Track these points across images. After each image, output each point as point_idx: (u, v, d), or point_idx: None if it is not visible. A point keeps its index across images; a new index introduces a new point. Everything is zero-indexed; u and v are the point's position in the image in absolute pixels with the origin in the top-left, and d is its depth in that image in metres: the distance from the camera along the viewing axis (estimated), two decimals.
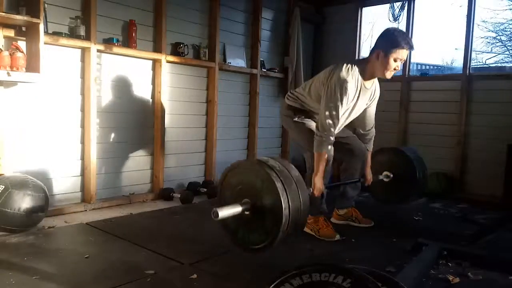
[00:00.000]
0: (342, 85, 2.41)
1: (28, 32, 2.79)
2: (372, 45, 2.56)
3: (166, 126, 3.82)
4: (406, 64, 4.58)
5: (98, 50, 3.25)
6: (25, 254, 2.20)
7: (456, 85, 4.26)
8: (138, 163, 3.70)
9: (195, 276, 1.99)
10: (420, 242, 2.40)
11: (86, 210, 3.22)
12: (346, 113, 2.57)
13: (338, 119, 2.45)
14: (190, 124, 4.10)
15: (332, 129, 2.45)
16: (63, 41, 3.01)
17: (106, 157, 3.46)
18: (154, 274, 2.00)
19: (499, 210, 3.59)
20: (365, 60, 2.55)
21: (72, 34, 3.11)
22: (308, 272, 1.39)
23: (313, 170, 2.53)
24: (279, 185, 1.80)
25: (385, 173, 3.10)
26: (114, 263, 2.15)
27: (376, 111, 2.89)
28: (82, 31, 3.12)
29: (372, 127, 2.91)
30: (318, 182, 2.46)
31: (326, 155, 2.48)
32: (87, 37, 3.15)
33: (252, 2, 4.58)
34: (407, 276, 1.90)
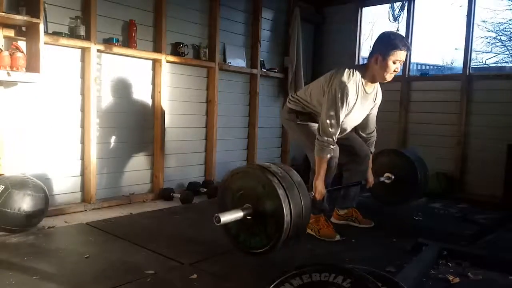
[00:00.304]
0: (343, 90, 2.42)
1: (28, 32, 2.79)
2: (371, 49, 2.57)
3: (166, 126, 3.82)
4: (406, 64, 4.58)
5: (98, 50, 3.25)
6: (25, 254, 2.20)
7: (456, 85, 4.26)
8: (138, 163, 3.70)
9: (195, 276, 1.99)
10: (420, 242, 2.40)
11: (86, 210, 3.22)
12: (348, 118, 2.57)
13: (338, 123, 2.45)
14: (190, 124, 4.10)
15: (333, 134, 2.45)
16: (63, 41, 3.01)
17: (106, 157, 3.46)
18: (154, 274, 2.00)
19: (499, 210, 3.59)
20: (364, 65, 2.56)
21: (72, 34, 3.11)
22: (308, 272, 1.38)
23: (315, 172, 2.54)
24: (281, 191, 1.80)
25: (386, 174, 3.10)
26: (114, 263, 2.15)
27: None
28: (82, 31, 3.12)
29: (373, 131, 2.92)
30: (319, 186, 2.47)
31: (327, 160, 2.48)
32: (87, 37, 3.15)
33: (252, 2, 4.58)
34: (407, 276, 1.90)
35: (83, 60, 3.23)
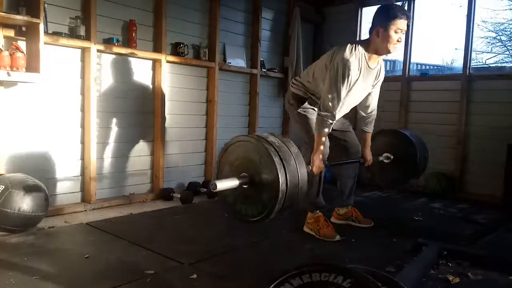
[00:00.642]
0: (345, 65, 2.40)
1: (28, 32, 2.79)
2: (370, 25, 2.54)
3: (166, 126, 3.82)
4: (406, 64, 4.59)
5: (98, 50, 3.25)
6: (25, 254, 2.20)
7: (456, 85, 4.26)
8: (138, 163, 3.70)
9: (195, 276, 1.99)
10: (420, 242, 2.40)
11: (86, 210, 3.22)
12: (350, 94, 2.55)
13: (339, 99, 2.44)
14: (190, 124, 4.10)
15: (334, 110, 2.44)
16: (63, 41, 3.01)
17: (106, 157, 3.46)
18: (154, 274, 2.00)
19: (499, 210, 3.59)
20: (366, 40, 2.53)
21: (72, 34, 3.11)
22: (308, 272, 1.38)
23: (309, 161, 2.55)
24: (277, 159, 1.80)
25: (385, 154, 3.08)
26: (114, 263, 2.15)
27: (376, 112, 2.91)
28: (82, 31, 3.12)
29: (374, 110, 2.89)
30: (317, 160, 2.44)
31: (326, 135, 2.48)
32: (87, 37, 3.15)
33: (252, 2, 4.58)
34: (407, 276, 1.90)
35: (83, 60, 3.23)
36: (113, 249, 2.38)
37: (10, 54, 2.65)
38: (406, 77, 4.60)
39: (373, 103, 2.84)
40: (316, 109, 2.58)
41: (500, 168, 3.86)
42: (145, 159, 3.75)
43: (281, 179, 1.79)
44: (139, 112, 3.67)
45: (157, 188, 3.76)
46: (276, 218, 1.94)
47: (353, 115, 3.02)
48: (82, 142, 3.28)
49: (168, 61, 3.75)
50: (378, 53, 2.52)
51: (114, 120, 3.49)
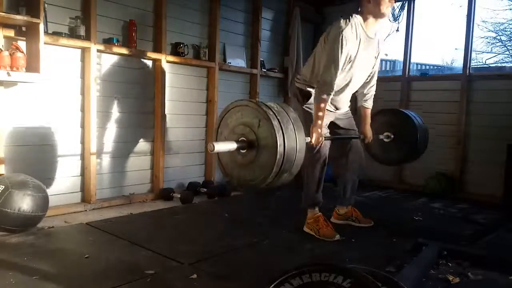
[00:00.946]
0: (340, 35, 2.43)
1: (28, 32, 2.79)
2: None
3: (166, 126, 3.82)
4: (406, 64, 4.59)
5: (98, 50, 3.25)
6: (25, 254, 2.20)
7: (456, 85, 4.26)
8: (138, 163, 3.70)
9: (195, 276, 1.99)
10: (420, 242, 2.40)
11: (86, 210, 3.22)
12: (357, 67, 2.56)
13: (337, 69, 2.45)
14: (190, 124, 4.10)
15: (332, 80, 2.46)
16: (63, 41, 3.01)
17: (106, 157, 3.46)
18: (154, 274, 2.00)
19: (499, 210, 3.59)
20: (360, 11, 2.58)
21: (72, 34, 3.11)
22: (308, 272, 1.38)
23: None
24: (275, 123, 1.82)
25: (385, 133, 3.08)
26: (114, 263, 2.15)
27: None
28: (82, 31, 3.12)
29: (374, 85, 2.91)
30: (316, 132, 2.45)
31: (325, 108, 2.50)
32: (87, 37, 3.15)
33: (252, 2, 4.58)
34: (407, 276, 1.90)
35: (83, 60, 3.23)
36: (113, 249, 2.38)
37: (10, 54, 2.65)
38: (406, 77, 4.60)
39: (373, 79, 2.87)
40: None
41: (500, 168, 3.86)
42: (145, 159, 3.75)
43: (279, 141, 1.80)
44: (139, 112, 3.67)
45: (157, 188, 3.76)
46: (274, 183, 1.94)
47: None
48: (82, 142, 3.28)
49: (168, 61, 3.75)
50: (375, 17, 2.54)
51: (114, 120, 3.49)
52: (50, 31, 2.95)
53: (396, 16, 4.65)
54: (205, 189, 3.89)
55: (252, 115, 1.91)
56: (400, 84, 4.60)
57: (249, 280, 1.98)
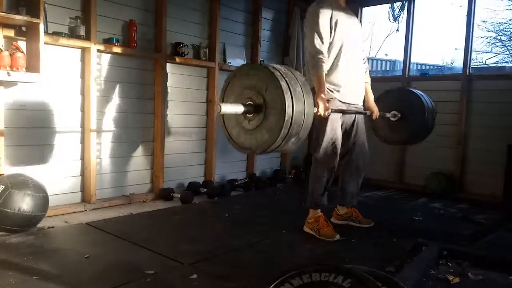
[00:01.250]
0: (314, 11, 2.59)
1: (28, 32, 2.79)
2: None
3: (166, 126, 3.82)
4: (406, 64, 4.59)
5: (98, 50, 3.25)
6: (25, 254, 2.20)
7: (456, 85, 4.26)
8: (138, 163, 3.70)
9: (195, 276, 1.99)
10: (420, 242, 2.40)
11: (86, 210, 3.22)
12: (345, 34, 2.64)
13: (322, 38, 2.56)
14: (190, 124, 4.10)
15: (321, 48, 2.55)
16: (63, 41, 3.01)
17: (106, 157, 3.46)
18: (154, 274, 2.00)
19: (499, 210, 3.59)
20: None
21: (72, 34, 3.11)
22: (308, 272, 1.39)
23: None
24: (283, 84, 1.79)
25: (392, 112, 3.08)
26: (114, 263, 2.15)
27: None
28: (82, 31, 3.12)
29: (365, 58, 2.98)
30: (322, 101, 2.46)
31: (324, 75, 2.55)
32: (87, 37, 3.15)
33: (252, 2, 4.58)
34: (407, 276, 1.90)
35: (83, 60, 3.23)
36: (113, 249, 2.38)
37: (10, 54, 2.65)
38: (406, 77, 4.60)
39: (364, 53, 2.96)
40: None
41: (500, 168, 3.86)
42: (145, 159, 3.75)
43: (287, 102, 1.77)
44: (139, 112, 3.66)
45: (157, 188, 3.76)
46: (281, 147, 1.91)
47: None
48: (82, 142, 3.28)
49: (168, 61, 3.75)
50: None
51: (114, 120, 3.49)
52: (50, 31, 2.95)
53: (396, 16, 4.65)
54: (205, 189, 3.89)
55: (258, 77, 1.88)
56: (400, 84, 4.59)
57: (249, 280, 1.98)
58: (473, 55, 4.38)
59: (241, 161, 4.65)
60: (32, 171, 2.87)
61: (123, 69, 3.52)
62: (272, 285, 1.38)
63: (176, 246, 2.42)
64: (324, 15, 2.58)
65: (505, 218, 3.34)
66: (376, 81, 3.96)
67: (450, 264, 2.20)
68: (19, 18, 2.65)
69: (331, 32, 2.61)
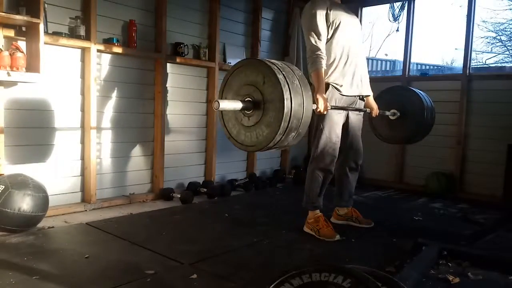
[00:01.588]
0: (310, 10, 2.61)
1: (28, 32, 2.79)
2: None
3: (166, 126, 3.82)
4: (406, 64, 4.59)
5: (98, 50, 3.25)
6: (25, 254, 2.20)
7: (456, 85, 4.26)
8: (138, 163, 3.70)
9: (195, 276, 1.99)
10: (420, 242, 2.39)
11: (86, 210, 3.22)
12: (344, 33, 2.65)
13: (319, 35, 2.58)
14: (190, 124, 4.10)
15: (319, 45, 2.58)
16: (63, 41, 3.01)
17: (106, 157, 3.46)
18: (154, 274, 2.00)
19: (499, 210, 3.59)
20: None
21: (72, 34, 3.11)
22: (308, 272, 1.39)
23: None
24: (280, 77, 1.79)
25: (392, 110, 3.09)
26: (114, 263, 2.15)
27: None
28: (82, 31, 3.12)
29: (364, 57, 2.96)
30: (321, 98, 2.48)
31: (323, 72, 2.57)
32: (87, 37, 3.15)
33: (252, 2, 4.58)
34: (407, 276, 1.90)
35: (83, 60, 3.23)
36: (113, 249, 2.38)
37: (10, 54, 2.65)
38: (406, 77, 4.60)
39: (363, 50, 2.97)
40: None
41: (500, 168, 3.86)
42: (145, 159, 3.75)
43: (285, 94, 1.77)
44: (139, 112, 3.66)
45: (157, 188, 3.76)
46: (282, 143, 1.90)
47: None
48: (82, 142, 3.28)
49: (168, 61, 3.75)
50: None
51: (114, 120, 3.49)
52: (50, 31, 2.95)
53: (396, 16, 4.65)
54: (205, 189, 3.89)
55: (255, 72, 1.87)
56: (400, 84, 4.59)
57: (249, 280, 1.98)
58: (473, 55, 4.38)
59: (241, 161, 4.65)
60: (32, 171, 2.87)
61: (123, 69, 3.52)
62: (272, 285, 1.38)
63: (176, 246, 2.42)
64: (320, 13, 2.59)
65: (505, 218, 3.34)
66: (376, 81, 3.97)
67: (450, 264, 2.20)
68: (19, 18, 2.65)
69: (329, 29, 2.62)
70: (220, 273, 2.05)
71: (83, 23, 3.14)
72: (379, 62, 8.42)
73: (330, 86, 2.66)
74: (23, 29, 2.80)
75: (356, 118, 2.86)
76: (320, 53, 2.57)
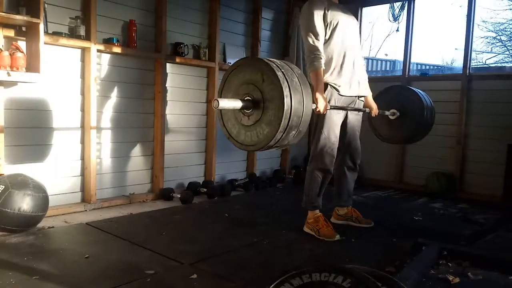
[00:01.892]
0: (307, 10, 2.61)
1: (28, 32, 2.79)
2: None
3: (166, 126, 3.82)
4: (406, 64, 4.59)
5: (98, 50, 3.25)
6: (25, 254, 2.20)
7: (456, 85, 4.26)
8: (138, 163, 3.70)
9: (195, 276, 1.99)
10: (420, 242, 2.40)
11: (86, 210, 3.22)
12: (343, 32, 2.65)
13: (317, 35, 2.58)
14: (190, 124, 4.10)
15: (318, 45, 2.58)
16: (63, 41, 3.01)
17: (106, 157, 3.46)
18: (154, 274, 2.00)
19: (499, 210, 3.59)
20: None
21: (72, 34, 3.11)
22: (308, 272, 1.39)
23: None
24: (279, 74, 1.79)
25: (391, 110, 3.09)
26: (114, 263, 2.15)
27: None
28: (82, 31, 3.12)
29: (362, 56, 2.98)
30: (320, 97, 2.48)
31: (321, 71, 2.57)
32: (87, 37, 3.15)
33: (252, 2, 4.58)
34: (407, 276, 1.90)
35: (83, 60, 3.23)
36: (113, 249, 2.38)
37: (10, 54, 2.65)
38: (406, 77, 4.60)
39: (360, 50, 2.97)
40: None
41: (500, 168, 3.86)
42: (145, 159, 3.75)
43: (285, 92, 1.77)
44: (139, 112, 3.66)
45: (157, 188, 3.76)
46: (282, 141, 1.89)
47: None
48: (82, 142, 3.28)
49: (168, 61, 3.75)
50: None
51: (114, 120, 3.49)
52: (50, 31, 2.95)
53: (396, 16, 4.65)
54: (205, 189, 3.89)
55: (254, 71, 1.87)
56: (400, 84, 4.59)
57: (249, 280, 1.98)
58: (473, 55, 4.39)
59: (241, 161, 4.65)
60: (32, 171, 2.87)
61: (123, 69, 3.52)
62: (272, 285, 1.38)
63: (176, 246, 2.42)
64: (317, 13, 2.60)
65: (505, 218, 3.34)
66: (376, 81, 3.97)
67: (450, 264, 2.20)
68: (19, 18, 2.65)
69: (327, 29, 2.62)
70: (220, 273, 2.05)
71: (83, 23, 3.14)
72: (379, 62, 8.42)
73: (329, 86, 2.66)
74: (23, 29, 2.80)
75: (355, 118, 2.86)
76: (318, 53, 2.58)
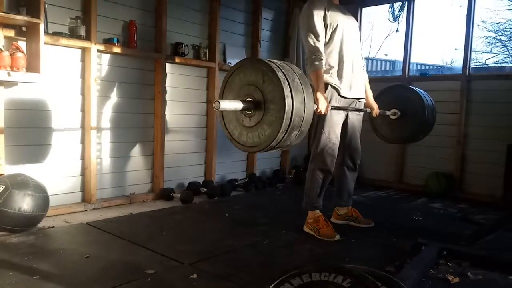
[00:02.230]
0: (307, 10, 2.61)
1: (28, 32, 2.79)
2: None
3: (166, 126, 3.83)
4: (406, 64, 4.59)
5: (98, 50, 3.26)
6: (25, 254, 2.20)
7: (456, 85, 4.26)
8: (138, 163, 3.70)
9: (195, 276, 1.99)
10: (420, 242, 2.40)
11: (86, 210, 3.22)
12: (344, 34, 2.66)
13: (317, 36, 2.59)
14: (190, 124, 4.10)
15: (318, 47, 2.58)
16: (63, 41, 3.02)
17: (106, 157, 3.46)
18: (154, 274, 2.00)
19: (499, 210, 3.59)
20: None
21: (72, 34, 3.11)
22: (308, 272, 1.39)
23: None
24: (280, 74, 1.80)
25: (392, 110, 3.09)
26: (114, 263, 2.15)
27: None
28: (82, 31, 3.12)
29: (363, 54, 2.97)
30: (321, 98, 2.48)
31: (322, 72, 2.58)
32: (87, 37, 3.15)
33: (252, 2, 4.58)
34: (407, 276, 1.90)
35: (83, 60, 3.23)
36: (113, 249, 2.39)
37: (11, 54, 2.65)
38: (406, 77, 4.60)
39: (361, 50, 2.97)
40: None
41: (500, 168, 3.86)
42: (145, 159, 3.75)
43: (286, 92, 1.77)
44: (139, 112, 3.67)
45: (157, 188, 3.76)
46: (284, 142, 1.89)
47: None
48: (82, 142, 3.29)
49: (168, 61, 3.75)
50: None
51: (114, 120, 3.49)
52: (50, 31, 2.95)
53: (396, 16, 4.65)
54: (205, 189, 3.89)
55: (255, 72, 1.87)
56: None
57: (249, 280, 1.98)
58: (473, 55, 4.40)
59: (241, 161, 4.65)
60: (33, 171, 2.87)
61: (123, 69, 3.52)
62: (272, 285, 1.38)
63: (176, 246, 2.42)
64: (317, 13, 2.60)
65: (505, 218, 3.34)
66: (376, 81, 3.97)
67: (450, 264, 2.20)
68: (19, 18, 2.65)
69: (327, 30, 2.63)
70: (220, 273, 2.05)
71: (83, 23, 3.15)
72: (379, 62, 8.42)
73: (330, 86, 2.66)
74: (24, 29, 2.81)
75: (355, 118, 2.86)
76: (319, 54, 2.58)
